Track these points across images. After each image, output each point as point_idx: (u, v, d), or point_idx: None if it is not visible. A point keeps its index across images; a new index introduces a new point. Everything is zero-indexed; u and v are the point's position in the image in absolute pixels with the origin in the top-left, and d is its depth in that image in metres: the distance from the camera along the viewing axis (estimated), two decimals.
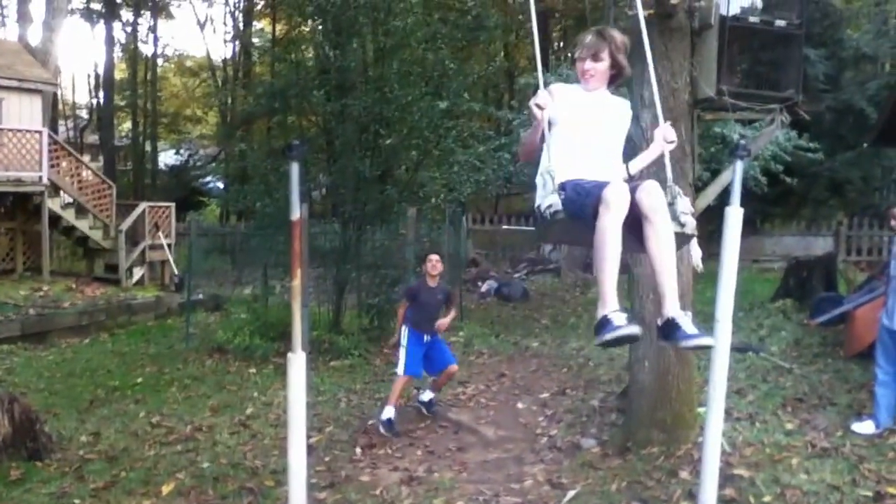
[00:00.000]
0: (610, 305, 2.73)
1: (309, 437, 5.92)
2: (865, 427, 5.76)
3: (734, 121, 10.44)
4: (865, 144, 14.22)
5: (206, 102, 31.96)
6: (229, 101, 27.97)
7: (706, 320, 3.47)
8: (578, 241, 3.13)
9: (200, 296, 13.50)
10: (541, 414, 6.86)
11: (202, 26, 36.25)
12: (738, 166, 3.45)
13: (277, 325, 9.64)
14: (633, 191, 2.76)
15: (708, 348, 2.90)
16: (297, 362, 3.08)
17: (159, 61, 31.46)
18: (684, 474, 5.01)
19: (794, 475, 4.92)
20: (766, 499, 4.62)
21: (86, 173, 15.24)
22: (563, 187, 2.87)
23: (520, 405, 7.20)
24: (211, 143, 32.45)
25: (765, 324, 9.87)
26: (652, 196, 2.79)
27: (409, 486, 5.31)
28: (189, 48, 48.73)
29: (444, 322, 6.88)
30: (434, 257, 7.00)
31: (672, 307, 2.87)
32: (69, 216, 14.43)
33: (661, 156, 3.17)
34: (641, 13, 3.49)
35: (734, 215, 3.33)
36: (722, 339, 3.38)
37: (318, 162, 11.38)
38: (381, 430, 6.45)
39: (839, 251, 16.32)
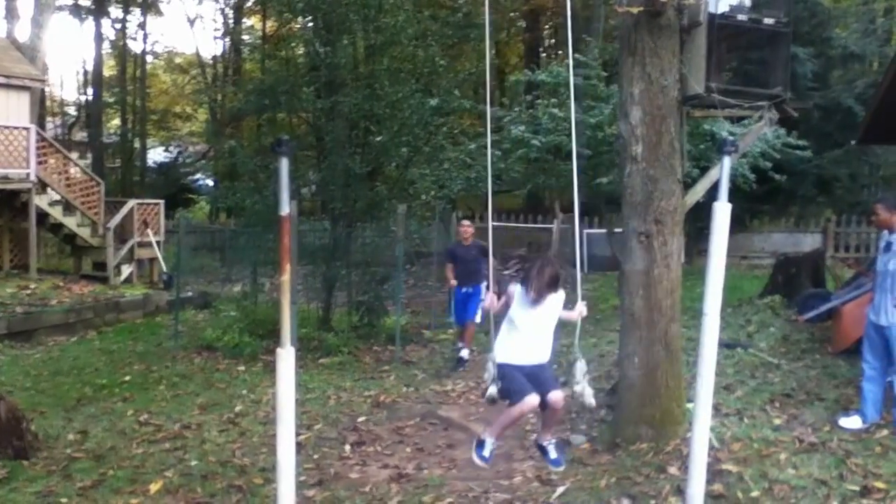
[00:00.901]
0: (492, 436, 4.46)
1: (298, 434, 5.90)
2: (852, 422, 5.79)
3: (723, 118, 10.46)
4: (853, 142, 14.30)
5: (195, 99, 31.78)
6: (219, 98, 27.87)
7: (695, 317, 3.49)
8: None
9: (189, 293, 13.46)
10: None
11: (192, 23, 36.12)
12: (726, 162, 3.47)
13: (266, 322, 9.62)
14: (544, 394, 4.15)
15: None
16: (286, 358, 3.08)
17: (148, 58, 31.29)
18: (673, 470, 5.02)
19: (782, 470, 4.93)
20: (754, 494, 4.63)
21: (74, 170, 15.13)
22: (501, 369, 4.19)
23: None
24: (200, 141, 32.29)
25: (753, 320, 9.89)
26: (555, 402, 4.24)
27: (398, 484, 5.31)
28: (178, 45, 48.51)
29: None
30: (465, 222, 9.06)
31: (545, 436, 4.63)
32: (57, 213, 14.32)
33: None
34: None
35: (722, 211, 3.35)
36: (709, 334, 3.40)
37: (308, 159, 11.35)
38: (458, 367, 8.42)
39: (827, 248, 16.39)
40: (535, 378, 4.19)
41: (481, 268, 8.44)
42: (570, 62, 5.73)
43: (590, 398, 4.36)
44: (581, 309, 4.29)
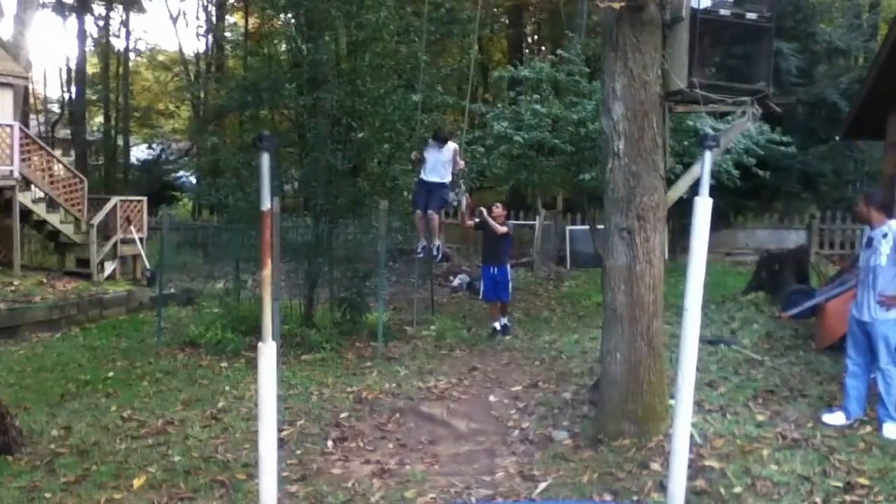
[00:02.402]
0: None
1: (280, 430, 5.90)
2: (836, 418, 5.81)
3: (706, 114, 10.48)
4: (837, 138, 14.34)
5: (178, 97, 31.57)
6: (202, 95, 27.68)
7: (678, 313, 3.48)
8: None
9: (172, 290, 13.37)
10: (513, 407, 6.86)
11: (175, 20, 35.79)
12: (707, 157, 3.47)
13: (249, 319, 9.58)
14: None
15: None
16: (268, 352, 3.06)
17: (131, 55, 31.02)
18: (655, 466, 5.03)
19: (765, 466, 4.95)
20: (737, 490, 4.64)
21: (57, 168, 14.99)
22: None
23: (492, 398, 7.19)
24: (183, 138, 32.07)
25: (737, 316, 9.94)
26: None
27: (380, 479, 5.29)
28: (161, 42, 48.09)
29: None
30: (499, 205, 10.19)
31: None
32: (40, 210, 14.20)
33: None
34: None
35: (703, 205, 3.34)
36: (691, 330, 3.39)
37: (291, 156, 11.29)
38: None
39: (812, 244, 16.48)
40: None
41: (508, 249, 9.96)
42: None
43: None
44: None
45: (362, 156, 10.64)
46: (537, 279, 15.90)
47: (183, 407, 7.17)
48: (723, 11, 5.92)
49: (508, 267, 10.13)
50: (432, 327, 10.57)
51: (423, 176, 8.93)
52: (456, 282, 14.83)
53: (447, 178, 8.84)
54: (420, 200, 8.94)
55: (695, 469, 4.87)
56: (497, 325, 10.04)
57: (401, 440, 6.13)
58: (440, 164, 8.75)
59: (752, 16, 5.86)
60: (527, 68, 12.85)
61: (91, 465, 5.63)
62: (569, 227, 18.42)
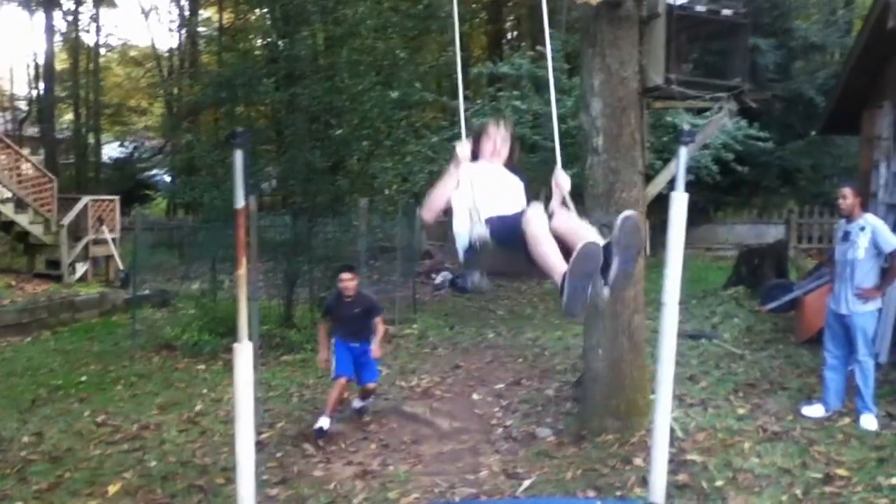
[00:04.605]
0: (562, 268, 2.95)
1: (260, 432, 5.83)
2: (815, 410, 5.87)
3: (685, 110, 10.53)
4: (815, 133, 14.45)
5: (151, 93, 31.16)
6: (175, 91, 27.35)
7: (659, 308, 3.47)
8: (500, 270, 3.64)
9: (147, 291, 13.16)
10: (496, 404, 6.84)
11: (146, 15, 35.29)
12: (683, 153, 3.47)
13: (226, 320, 9.44)
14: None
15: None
16: (244, 353, 3.01)
17: (102, 51, 30.53)
18: (638, 461, 5.04)
19: (746, 459, 4.98)
20: (719, 483, 4.66)
21: (26, 167, 14.73)
22: (489, 221, 3.19)
23: (475, 396, 7.17)
24: (156, 135, 31.67)
25: (717, 311, 10.01)
26: (560, 219, 3.16)
27: (363, 480, 5.25)
28: (133, 37, 47.49)
29: (374, 349, 6.44)
30: (346, 276, 6.51)
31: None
32: (8, 211, 13.93)
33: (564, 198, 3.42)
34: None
35: (679, 200, 3.34)
36: (669, 323, 3.39)
37: (268, 153, 11.17)
38: (315, 434, 6.06)
39: (790, 239, 16.59)
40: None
41: (364, 328, 6.51)
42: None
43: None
44: (558, 177, 3.50)
45: (341, 153, 10.55)
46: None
47: (159, 411, 7.07)
48: (699, 8, 5.95)
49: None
50: (415, 326, 10.52)
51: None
52: (438, 279, 14.77)
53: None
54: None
55: (677, 463, 4.89)
56: (359, 405, 6.77)
57: (383, 440, 6.10)
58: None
59: (727, 12, 5.90)
60: (507, 64, 12.83)
61: (64, 472, 5.54)
62: None
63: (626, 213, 3.10)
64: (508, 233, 3.11)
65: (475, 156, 3.58)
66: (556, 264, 2.97)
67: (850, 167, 16.33)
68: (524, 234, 3.02)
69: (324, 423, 6.10)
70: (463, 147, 3.43)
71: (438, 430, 6.27)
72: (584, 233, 3.06)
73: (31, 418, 6.97)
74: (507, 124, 3.74)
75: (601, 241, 3.01)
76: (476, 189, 3.30)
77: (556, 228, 3.08)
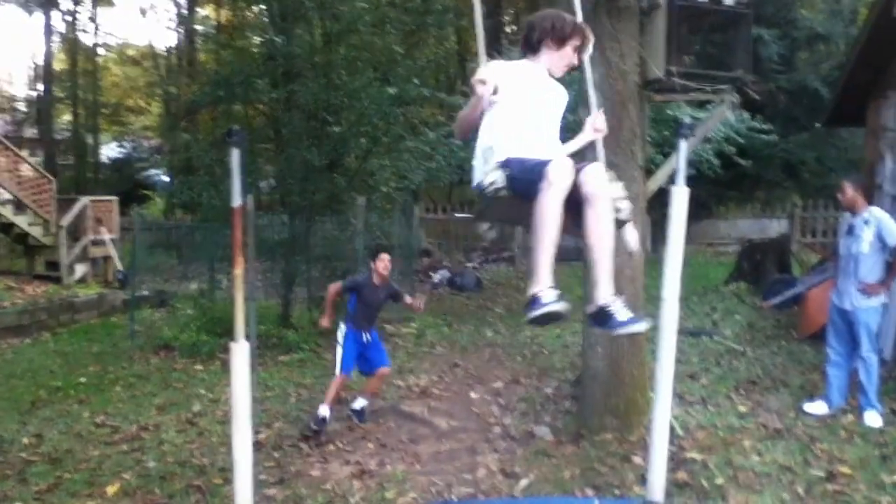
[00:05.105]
0: (542, 283, 2.62)
1: (258, 433, 5.78)
2: (817, 407, 5.81)
3: (686, 103, 10.44)
4: (819, 125, 14.29)
5: (149, 92, 31.14)
6: (173, 90, 27.32)
7: (659, 304, 3.41)
8: (518, 221, 3.04)
9: (145, 292, 13.13)
10: (494, 403, 6.79)
11: (144, 13, 35.30)
12: (683, 146, 3.40)
13: (224, 320, 9.39)
14: (576, 172, 2.64)
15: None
16: (241, 352, 2.99)
17: (100, 51, 30.57)
18: (638, 460, 4.99)
19: (747, 457, 4.93)
20: (719, 481, 4.61)
21: (25, 168, 14.68)
22: (507, 164, 2.76)
23: (473, 395, 7.11)
24: (154, 136, 31.65)
25: (719, 307, 9.94)
26: (596, 179, 2.66)
27: (360, 480, 5.20)
28: (131, 37, 47.45)
29: (415, 301, 6.66)
30: (386, 256, 6.38)
31: (605, 294, 2.73)
32: (7, 213, 13.88)
33: (594, 143, 3.16)
34: None
35: (679, 195, 3.28)
36: (668, 320, 3.32)
37: (266, 152, 11.10)
38: (311, 424, 6.05)
39: (794, 233, 16.48)
40: None
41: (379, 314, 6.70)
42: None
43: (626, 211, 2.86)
44: (596, 120, 3.34)
45: (339, 151, 10.47)
46: (519, 274, 15.83)
47: (157, 412, 7.03)
48: None
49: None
50: (412, 324, 10.45)
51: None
52: (436, 278, 14.71)
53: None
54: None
55: (677, 461, 4.84)
56: (360, 405, 6.63)
57: (381, 440, 6.04)
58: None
59: (729, 2, 5.83)
60: (505, 58, 12.76)
61: (63, 473, 5.52)
62: None
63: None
64: (527, 184, 2.64)
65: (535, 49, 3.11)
66: (541, 270, 2.62)
67: (856, 159, 16.23)
68: (539, 193, 2.59)
69: (324, 411, 6.06)
70: (484, 74, 2.85)
71: (436, 430, 6.21)
72: (604, 211, 2.65)
73: (32, 420, 6.95)
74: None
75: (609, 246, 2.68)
76: (499, 123, 2.89)
77: (582, 184, 2.63)
